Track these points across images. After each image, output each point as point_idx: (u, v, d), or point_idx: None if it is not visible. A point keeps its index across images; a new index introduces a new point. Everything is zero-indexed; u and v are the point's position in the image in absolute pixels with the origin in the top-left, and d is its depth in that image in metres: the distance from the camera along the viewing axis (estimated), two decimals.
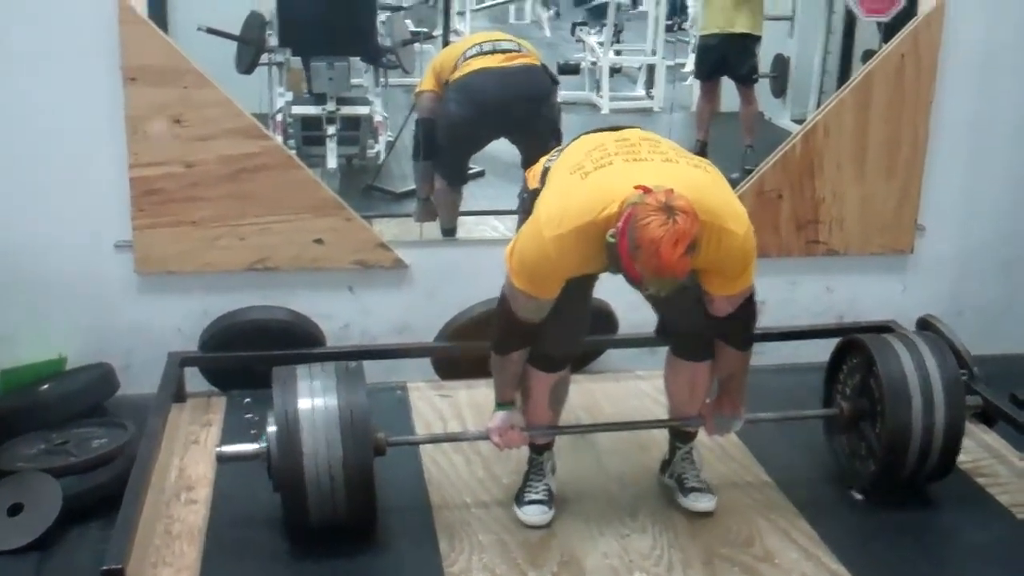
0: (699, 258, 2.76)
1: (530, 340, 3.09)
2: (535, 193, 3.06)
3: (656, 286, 2.71)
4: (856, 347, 3.58)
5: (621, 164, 2.87)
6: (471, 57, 4.51)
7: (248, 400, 4.03)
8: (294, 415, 3.06)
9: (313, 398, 3.11)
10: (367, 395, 3.16)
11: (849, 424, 3.56)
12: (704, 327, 3.15)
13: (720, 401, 3.30)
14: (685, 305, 3.11)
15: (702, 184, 2.83)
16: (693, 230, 2.63)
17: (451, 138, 4.59)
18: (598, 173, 2.87)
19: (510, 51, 4.54)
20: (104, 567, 2.77)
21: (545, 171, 3.09)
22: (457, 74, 4.50)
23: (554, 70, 4.85)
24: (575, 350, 3.34)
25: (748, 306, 3.07)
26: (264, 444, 3.14)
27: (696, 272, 2.89)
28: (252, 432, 3.62)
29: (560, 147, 3.17)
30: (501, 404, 3.25)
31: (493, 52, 4.51)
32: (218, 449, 3.27)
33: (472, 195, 4.81)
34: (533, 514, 3.30)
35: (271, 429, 3.10)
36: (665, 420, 3.52)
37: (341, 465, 3.04)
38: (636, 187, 2.71)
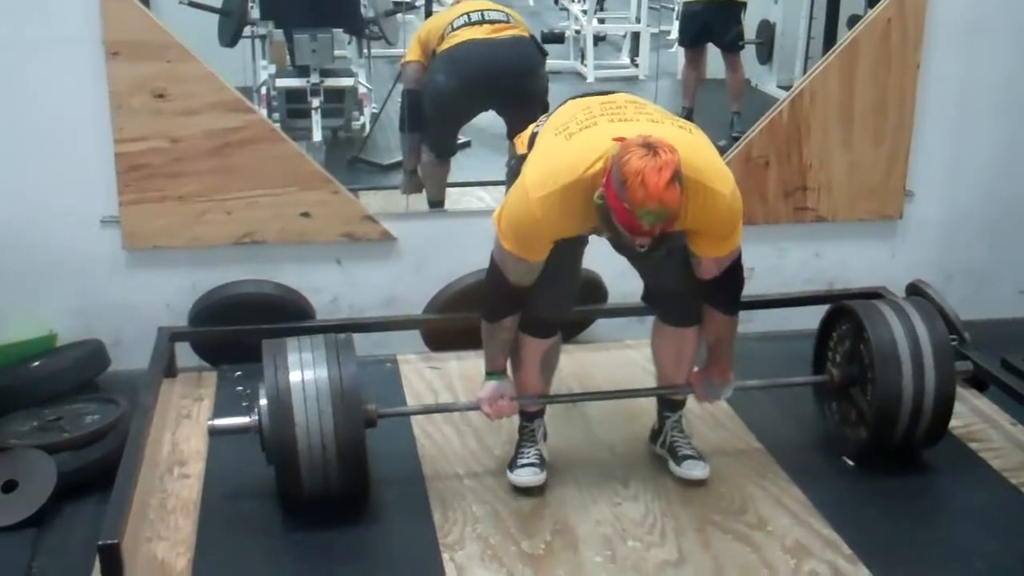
0: (686, 218, 2.80)
1: (521, 306, 3.10)
2: (523, 158, 3.08)
3: (649, 219, 2.64)
4: (846, 313, 3.58)
5: (606, 124, 2.89)
6: (459, 28, 4.48)
7: (239, 374, 4.02)
8: (285, 387, 3.06)
9: (304, 370, 3.11)
10: (358, 367, 3.16)
11: (839, 390, 3.58)
12: (691, 292, 3.15)
13: (709, 368, 3.31)
14: (671, 270, 3.12)
15: (687, 143, 2.83)
16: (675, 160, 2.64)
17: (438, 109, 4.58)
18: (583, 133, 2.89)
19: (498, 21, 4.51)
20: (100, 542, 2.77)
21: (533, 136, 3.11)
22: (444, 45, 4.47)
23: (539, 39, 4.83)
24: (566, 315, 3.34)
25: (736, 269, 3.07)
26: (256, 417, 3.14)
27: (684, 233, 2.92)
28: (244, 405, 3.63)
29: (548, 113, 3.17)
30: (491, 373, 3.25)
31: (481, 22, 4.49)
32: (210, 422, 3.27)
33: (459, 166, 4.81)
34: (525, 475, 3.31)
35: (263, 402, 3.11)
36: (654, 388, 3.52)
37: (333, 436, 3.05)
38: (615, 139, 2.75)
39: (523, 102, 4.33)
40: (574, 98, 3.14)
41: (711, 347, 3.28)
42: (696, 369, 3.37)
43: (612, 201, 2.69)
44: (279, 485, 3.14)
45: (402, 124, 4.77)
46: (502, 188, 3.27)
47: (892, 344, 3.38)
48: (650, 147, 2.65)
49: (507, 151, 4.47)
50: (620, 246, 2.97)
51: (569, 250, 3.08)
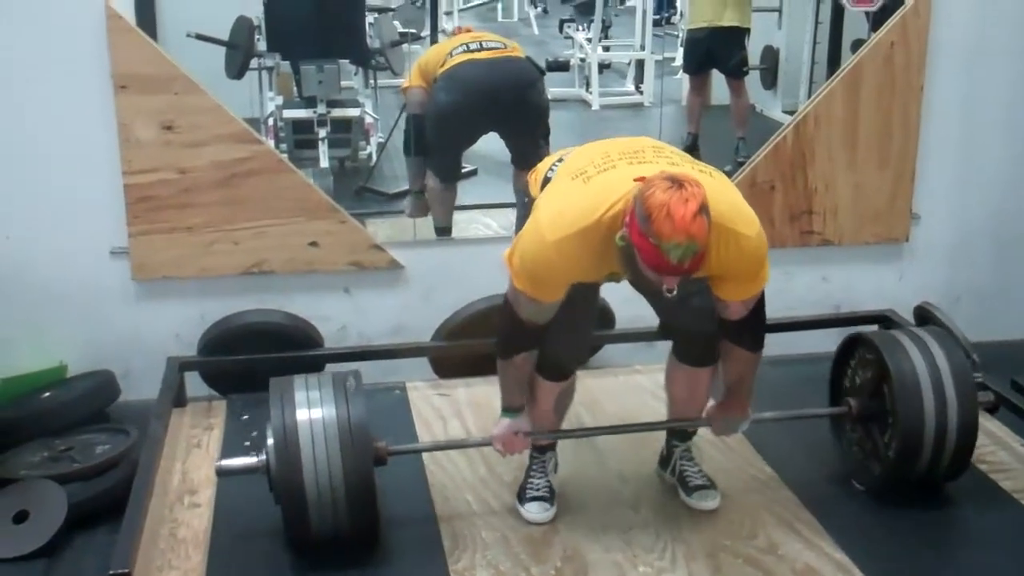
0: (712, 264, 2.74)
1: (534, 343, 3.05)
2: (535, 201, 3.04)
3: (677, 253, 2.53)
4: (863, 343, 3.52)
5: (625, 167, 2.82)
6: (458, 55, 4.55)
7: (246, 416, 3.99)
8: (292, 427, 3.02)
9: (311, 408, 3.07)
10: (366, 403, 3.12)
11: (858, 422, 3.51)
12: (709, 332, 3.11)
13: (728, 403, 3.24)
14: (690, 311, 3.09)
15: (710, 187, 2.69)
16: (701, 193, 2.56)
17: (441, 129, 4.61)
18: (601, 176, 2.82)
19: (496, 48, 4.60)
20: (111, 572, 2.77)
21: (546, 180, 3.04)
22: (444, 68, 4.54)
23: (543, 67, 4.86)
24: (581, 360, 3.33)
25: (758, 307, 3.01)
26: (263, 457, 3.10)
27: (709, 279, 2.88)
28: (247, 444, 3.66)
29: (561, 158, 3.08)
30: (507, 410, 3.20)
31: (480, 50, 4.57)
32: (217, 463, 3.24)
33: (466, 193, 4.83)
34: (535, 511, 3.30)
35: (270, 442, 3.06)
36: (669, 421, 3.47)
37: (341, 476, 3.00)
38: (636, 179, 2.68)
39: (524, 117, 4.37)
40: (592, 143, 3.08)
41: (732, 384, 3.19)
42: (711, 403, 3.33)
43: (636, 239, 2.60)
44: (287, 526, 3.09)
45: (407, 148, 4.81)
46: (507, 212, 3.28)
47: (913, 377, 3.31)
48: (675, 180, 2.58)
49: (512, 178, 4.53)
50: (641, 287, 2.95)
51: (583, 294, 3.05)
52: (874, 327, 4.45)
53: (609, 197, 2.73)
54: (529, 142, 3.34)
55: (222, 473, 3.20)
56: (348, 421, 3.05)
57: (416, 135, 4.72)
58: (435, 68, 4.59)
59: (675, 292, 2.64)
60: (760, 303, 3.01)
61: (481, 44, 4.61)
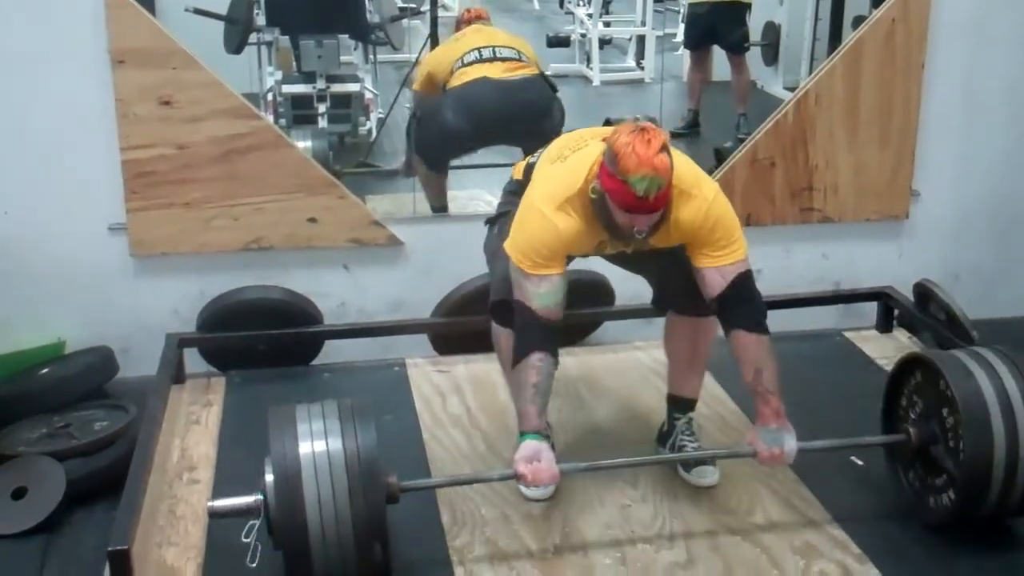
0: (679, 225, 2.94)
1: (549, 341, 3.01)
2: (518, 183, 3.22)
3: (643, 186, 2.72)
4: (922, 364, 3.20)
5: (596, 144, 2.99)
6: (470, 63, 4.46)
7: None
8: (294, 463, 2.71)
9: (314, 442, 2.75)
10: (376, 434, 2.81)
11: (918, 452, 3.19)
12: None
13: (761, 413, 3.09)
14: (680, 268, 3.11)
15: (674, 153, 2.88)
16: (663, 136, 2.78)
17: (443, 144, 4.58)
18: (576, 154, 3.03)
19: (510, 59, 4.48)
20: (110, 548, 2.76)
21: (529, 167, 3.22)
22: (455, 82, 4.45)
23: (543, 43, 4.81)
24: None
25: (748, 283, 3.03)
26: (260, 496, 2.78)
27: (686, 250, 3.01)
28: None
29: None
30: (525, 433, 3.02)
31: (493, 59, 4.46)
32: (210, 504, 2.86)
33: (465, 171, 4.81)
34: (534, 488, 3.29)
35: (268, 478, 2.74)
36: (714, 451, 3.36)
37: (349, 518, 2.69)
38: (603, 139, 2.90)
39: (536, 140, 4.21)
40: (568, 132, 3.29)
41: (752, 383, 3.08)
42: (750, 429, 3.18)
43: (606, 181, 2.81)
44: (288, 569, 2.79)
45: (409, 140, 4.77)
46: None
47: (979, 400, 2.98)
48: (638, 126, 2.79)
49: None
50: (621, 255, 3.02)
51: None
52: (873, 303, 4.47)
53: (586, 165, 2.94)
54: (539, 147, 3.30)
55: (215, 515, 2.84)
56: (357, 455, 2.73)
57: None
58: (444, 75, 4.51)
59: (645, 235, 2.86)
60: (747, 280, 3.03)
61: (495, 52, 4.49)
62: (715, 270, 3.00)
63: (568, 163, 3.01)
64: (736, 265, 3.00)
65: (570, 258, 3.07)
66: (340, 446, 2.74)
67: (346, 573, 2.75)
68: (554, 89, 4.61)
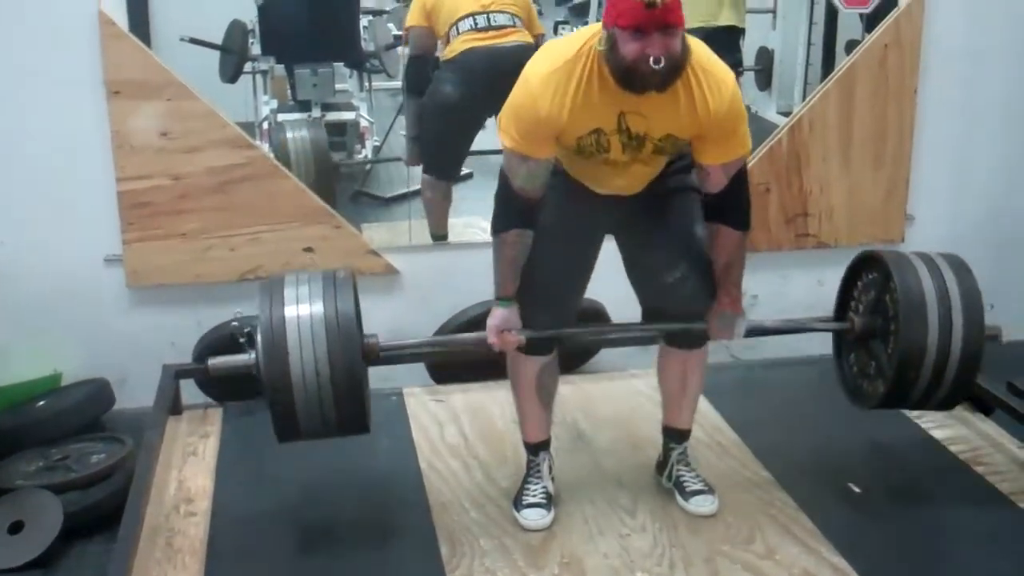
0: (693, 110, 2.82)
1: (527, 219, 3.00)
2: None
3: (652, 25, 2.63)
4: (873, 262, 3.44)
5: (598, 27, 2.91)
6: (465, 32, 4.46)
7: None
8: (280, 322, 2.98)
9: (299, 305, 3.02)
10: (356, 298, 3.10)
11: (860, 340, 3.44)
12: (699, 312, 3.17)
13: (720, 299, 3.16)
14: (680, 293, 3.12)
15: (690, 39, 2.84)
16: None
17: (442, 122, 4.57)
18: (575, 34, 2.96)
19: (504, 26, 4.50)
20: None
21: None
22: (448, 53, 4.47)
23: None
24: (564, 319, 3.26)
25: (742, 181, 3.03)
26: (253, 355, 3.07)
27: (692, 144, 2.94)
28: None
29: None
30: (501, 299, 3.12)
31: (488, 28, 4.46)
32: (210, 361, 3.22)
33: (462, 197, 4.81)
34: (532, 518, 3.29)
35: (259, 338, 3.01)
36: (666, 325, 3.29)
37: (329, 371, 2.96)
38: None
39: None
40: None
41: (720, 273, 3.14)
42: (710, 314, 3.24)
43: (610, 11, 2.69)
44: (275, 423, 3.04)
45: (405, 88, 4.73)
46: None
47: (920, 295, 3.23)
48: None
49: None
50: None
51: (576, 242, 3.14)
52: None
53: (583, 36, 2.84)
54: None
55: (215, 370, 3.18)
56: (336, 316, 3.00)
57: (416, 76, 4.63)
58: (441, 25, 4.49)
59: (662, 64, 2.67)
60: (744, 174, 3.02)
61: (489, 20, 4.49)
62: (720, 167, 2.95)
63: (565, 39, 2.94)
64: (739, 160, 2.98)
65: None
66: (322, 309, 3.01)
67: (326, 421, 3.01)
68: None
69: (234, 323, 3.92)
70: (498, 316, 3.12)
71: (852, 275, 3.54)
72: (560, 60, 2.82)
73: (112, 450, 3.62)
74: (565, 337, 3.32)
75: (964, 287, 3.28)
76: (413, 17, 4.60)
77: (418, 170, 4.73)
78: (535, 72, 2.85)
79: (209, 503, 3.46)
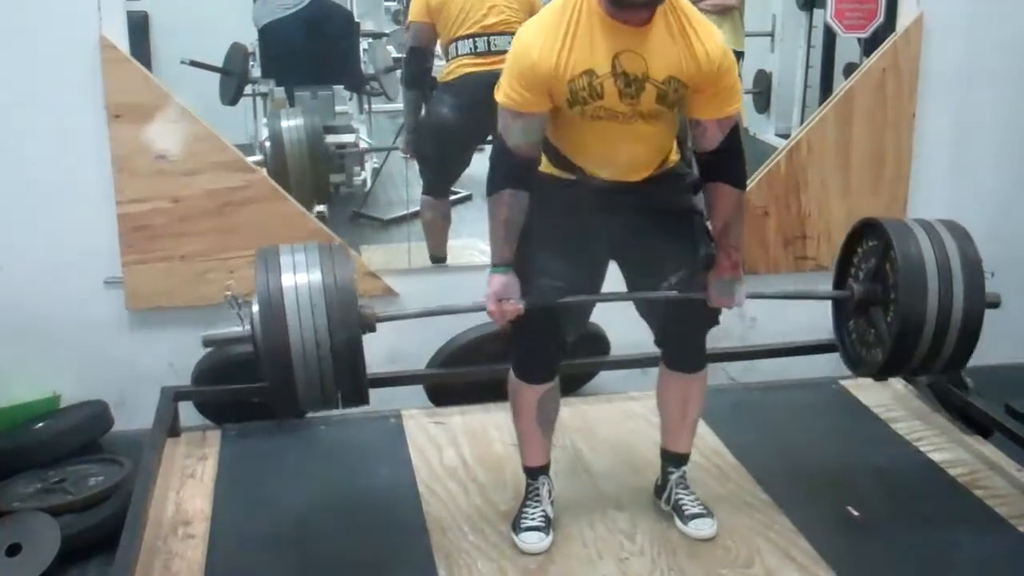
0: (688, 58, 2.83)
1: (520, 180, 2.99)
2: None
3: None
4: (873, 229, 3.40)
5: None
6: (464, 55, 4.45)
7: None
8: (277, 292, 2.89)
9: (296, 274, 2.94)
10: (352, 274, 3.01)
11: (860, 308, 3.39)
12: (701, 333, 3.20)
13: (718, 262, 3.13)
14: (681, 314, 3.13)
15: None
16: None
17: (439, 142, 4.57)
18: None
19: (504, 51, 4.46)
20: None
21: None
22: (447, 75, 4.47)
23: None
24: (559, 355, 3.26)
25: (737, 139, 3.02)
26: (249, 327, 2.97)
27: (688, 98, 2.93)
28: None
29: None
30: (496, 266, 3.08)
31: (487, 53, 4.45)
32: (205, 334, 3.12)
33: (461, 219, 4.82)
34: (530, 541, 3.29)
35: (255, 309, 2.93)
36: (664, 293, 3.19)
37: (328, 338, 2.88)
38: None
39: None
40: None
41: (719, 235, 3.12)
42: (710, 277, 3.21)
43: None
44: (273, 396, 2.99)
45: (404, 80, 4.72)
46: None
47: (920, 262, 3.20)
48: None
49: None
50: (629, 233, 2.94)
51: (579, 274, 3.11)
52: None
53: None
54: None
55: (209, 343, 3.13)
56: (334, 284, 2.92)
57: (415, 67, 4.62)
58: (444, 29, 4.47)
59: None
60: (737, 131, 3.02)
61: (489, 45, 4.47)
62: (715, 123, 2.96)
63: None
64: (733, 116, 2.98)
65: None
66: (320, 278, 2.92)
67: (325, 393, 2.94)
68: None
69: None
70: (496, 283, 3.07)
71: (852, 243, 3.50)
72: (548, 12, 2.89)
73: (110, 472, 3.62)
74: (572, 307, 3.19)
75: (964, 254, 3.26)
76: (415, 12, 4.58)
77: (417, 192, 4.74)
78: (527, 26, 2.94)
79: (207, 525, 3.45)
